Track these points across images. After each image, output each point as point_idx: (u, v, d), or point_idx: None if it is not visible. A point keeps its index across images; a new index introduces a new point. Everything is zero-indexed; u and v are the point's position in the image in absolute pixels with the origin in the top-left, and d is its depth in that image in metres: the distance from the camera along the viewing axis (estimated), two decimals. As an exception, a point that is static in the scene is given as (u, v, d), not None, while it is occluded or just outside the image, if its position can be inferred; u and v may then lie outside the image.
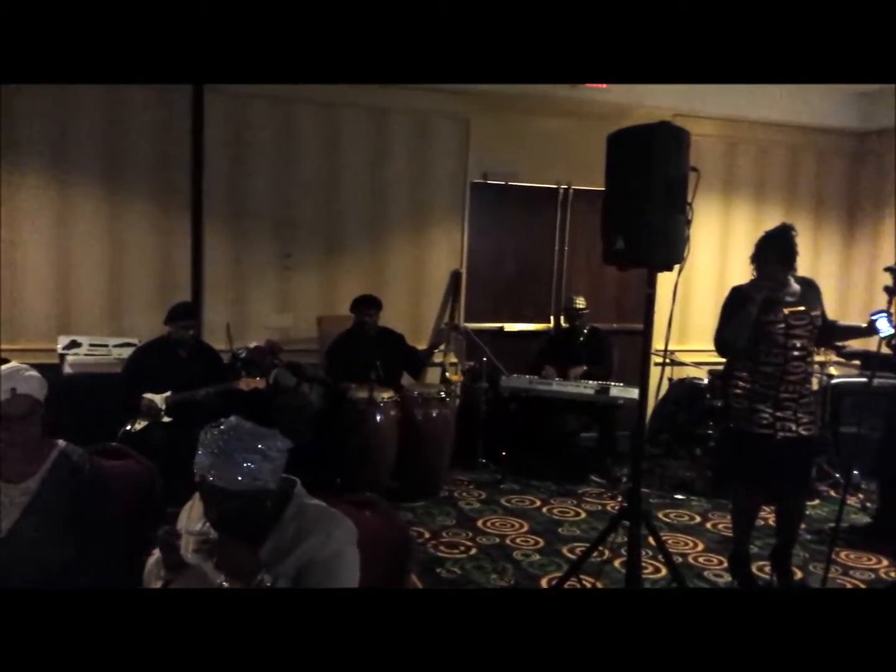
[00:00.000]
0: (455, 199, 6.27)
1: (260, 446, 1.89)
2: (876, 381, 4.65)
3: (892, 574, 4.25)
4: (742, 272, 6.77)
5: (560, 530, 4.74)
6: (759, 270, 3.61)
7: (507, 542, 4.53)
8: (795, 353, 3.59)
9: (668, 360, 4.89)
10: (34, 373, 2.22)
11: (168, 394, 4.49)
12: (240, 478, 1.85)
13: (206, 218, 5.65)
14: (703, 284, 6.79)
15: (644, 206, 2.97)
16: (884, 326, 3.52)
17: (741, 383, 3.67)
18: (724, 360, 3.86)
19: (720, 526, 4.87)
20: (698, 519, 5.03)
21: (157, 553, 2.00)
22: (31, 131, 5.22)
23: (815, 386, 4.57)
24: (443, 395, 5.39)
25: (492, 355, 5.74)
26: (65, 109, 5.28)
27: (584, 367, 5.81)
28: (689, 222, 3.06)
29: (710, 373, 5.94)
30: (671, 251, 3.04)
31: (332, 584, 1.88)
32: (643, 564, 3.72)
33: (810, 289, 3.68)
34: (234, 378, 4.59)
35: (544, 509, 5.13)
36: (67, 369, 4.98)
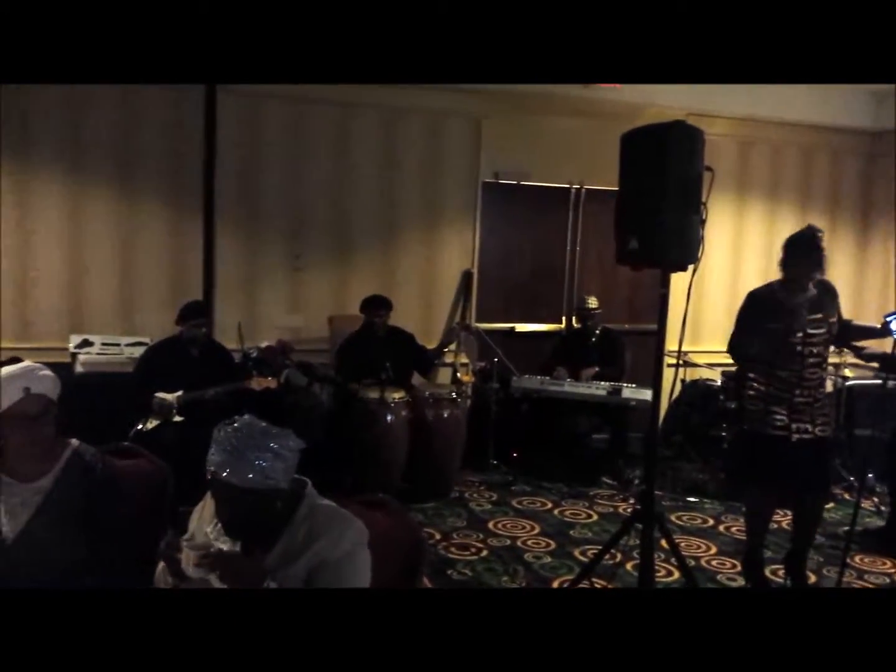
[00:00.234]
0: (467, 199, 6.25)
1: (273, 445, 1.88)
2: (891, 382, 4.60)
3: (908, 578, 4.21)
4: (756, 273, 6.81)
5: (571, 532, 4.72)
6: (787, 273, 3.57)
7: (519, 543, 4.51)
8: (812, 359, 3.57)
9: (681, 362, 4.86)
10: (48, 372, 2.22)
11: (179, 393, 4.49)
12: (251, 475, 1.84)
13: (217, 218, 5.66)
14: (717, 285, 6.76)
15: (658, 205, 2.94)
16: None
17: (756, 385, 3.64)
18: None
19: (733, 529, 4.84)
20: (711, 522, 5.00)
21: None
22: (45, 131, 5.24)
23: (829, 388, 4.53)
24: (454, 395, 5.38)
25: (503, 356, 5.72)
26: (78, 109, 5.30)
27: (597, 368, 5.78)
28: (703, 222, 3.03)
29: (724, 374, 5.89)
30: (685, 251, 3.02)
31: (343, 585, 1.87)
32: (655, 567, 3.69)
33: (827, 292, 3.64)
34: (245, 378, 4.60)
35: (556, 511, 5.10)
36: (79, 368, 4.99)
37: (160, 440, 4.11)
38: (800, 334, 3.53)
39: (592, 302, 5.89)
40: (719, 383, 5.93)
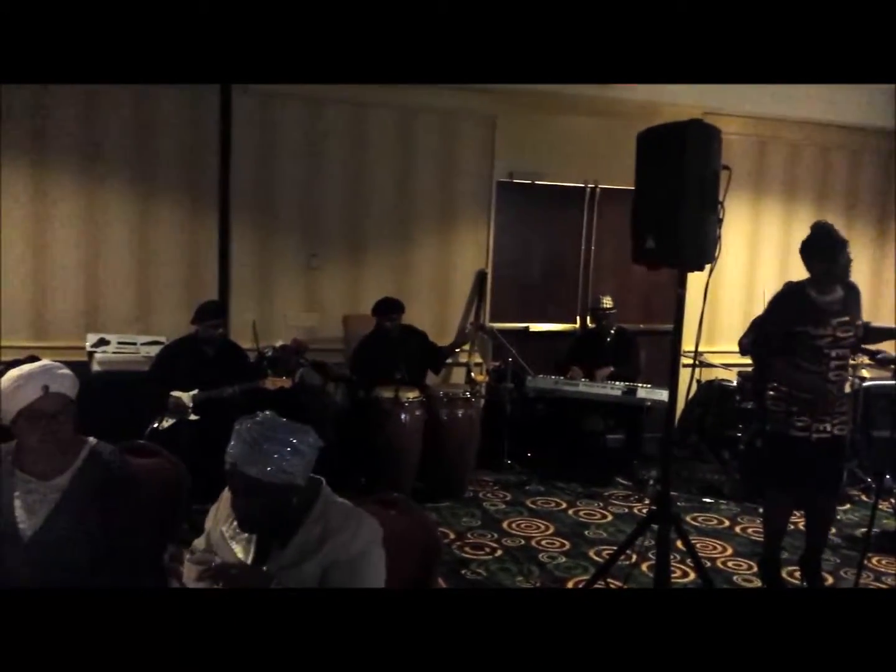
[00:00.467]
0: (481, 199, 6.24)
1: (293, 440, 1.90)
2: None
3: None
4: (772, 273, 6.76)
5: (586, 533, 4.70)
6: (815, 273, 3.54)
7: (533, 544, 4.50)
8: (837, 362, 3.54)
9: (697, 362, 4.83)
10: (66, 371, 2.23)
11: (195, 392, 4.51)
12: (269, 469, 1.85)
13: (233, 217, 5.68)
14: (732, 285, 6.72)
15: (675, 204, 2.93)
16: None
17: (778, 386, 3.60)
18: (751, 361, 3.81)
19: (749, 530, 4.80)
20: (727, 523, 4.97)
21: None
22: (62, 131, 5.28)
23: (846, 389, 4.49)
24: (468, 395, 5.37)
25: (517, 355, 5.71)
26: (94, 109, 5.33)
27: (611, 369, 5.76)
28: (720, 221, 3.01)
29: (740, 374, 5.86)
30: (702, 251, 3.00)
31: (357, 583, 1.87)
32: (671, 568, 3.67)
33: (851, 292, 3.61)
34: (260, 377, 4.61)
35: (570, 511, 5.09)
36: (96, 367, 5.02)
37: (175, 439, 4.13)
38: (829, 338, 3.50)
39: (607, 302, 5.87)
40: (735, 384, 5.90)
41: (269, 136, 5.73)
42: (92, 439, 2.30)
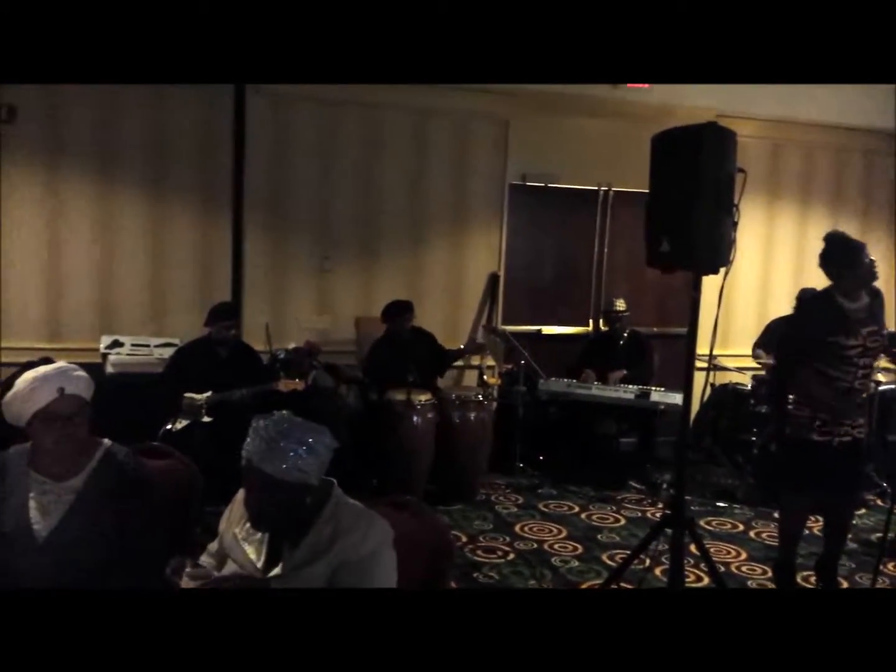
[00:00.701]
0: (493, 201, 6.24)
1: (309, 439, 1.91)
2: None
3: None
4: (786, 276, 6.73)
5: (599, 537, 4.68)
6: (841, 281, 3.50)
7: (545, 547, 4.48)
8: (864, 370, 3.50)
9: (711, 365, 4.81)
10: (82, 373, 2.24)
11: (208, 394, 4.52)
12: (285, 466, 1.86)
13: (246, 219, 5.69)
14: (746, 288, 6.68)
15: (690, 207, 2.91)
16: None
17: (802, 391, 3.55)
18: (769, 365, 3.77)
19: (764, 535, 4.77)
20: (741, 527, 4.93)
21: None
22: (76, 132, 5.31)
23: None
24: (480, 398, 5.36)
25: (530, 358, 5.70)
26: (108, 110, 5.35)
27: (624, 372, 5.74)
28: (735, 224, 2.99)
29: (754, 378, 5.83)
30: (717, 254, 2.98)
31: (366, 584, 1.87)
32: (685, 573, 3.64)
33: (876, 299, 3.56)
34: (273, 379, 4.61)
35: (583, 515, 5.07)
36: (109, 369, 5.04)
37: (189, 440, 4.14)
38: (859, 348, 3.46)
39: (620, 304, 5.85)
40: (749, 387, 5.87)
41: (283, 138, 5.74)
42: (106, 441, 2.31)
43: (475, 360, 5.99)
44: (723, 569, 4.14)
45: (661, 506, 5.20)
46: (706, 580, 3.96)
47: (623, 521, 4.97)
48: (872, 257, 3.50)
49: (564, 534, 4.71)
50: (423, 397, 5.08)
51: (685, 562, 3.52)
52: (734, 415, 5.88)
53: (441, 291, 6.18)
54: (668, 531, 3.22)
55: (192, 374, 4.57)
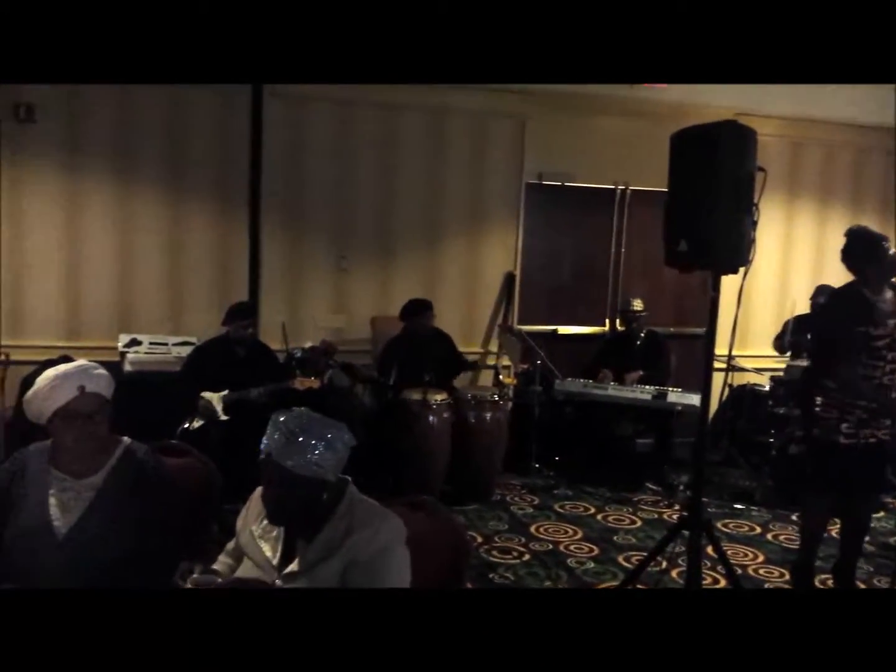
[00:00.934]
0: (510, 200, 6.23)
1: (328, 435, 1.93)
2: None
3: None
4: (805, 276, 6.67)
5: (615, 538, 4.66)
6: (866, 275, 3.46)
7: (561, 548, 4.46)
8: (892, 365, 3.45)
9: (729, 366, 4.77)
10: (102, 371, 2.26)
11: (225, 392, 4.54)
12: (303, 461, 1.88)
13: (263, 219, 5.72)
14: (765, 288, 6.63)
15: (709, 206, 2.88)
16: None
17: (829, 391, 3.51)
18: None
19: (781, 537, 4.73)
20: (759, 530, 4.89)
21: None
22: (93, 132, 5.34)
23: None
24: (496, 397, 5.35)
25: (546, 358, 5.68)
26: (126, 111, 5.39)
27: (641, 372, 5.71)
28: (755, 224, 2.96)
29: (773, 379, 5.78)
30: (737, 253, 2.95)
31: (378, 581, 1.87)
32: (702, 575, 3.62)
33: None
34: (289, 378, 4.63)
35: (599, 516, 5.05)
36: (127, 367, 5.07)
37: (206, 439, 4.16)
38: (887, 338, 3.42)
39: (637, 304, 5.82)
40: (767, 388, 5.82)
41: (299, 139, 5.76)
42: (126, 439, 2.32)
43: (491, 361, 5.98)
44: (740, 571, 4.11)
45: (677, 507, 5.17)
46: (723, 583, 3.94)
47: (639, 523, 4.95)
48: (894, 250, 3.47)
49: (580, 535, 4.69)
50: (439, 397, 5.08)
51: (702, 564, 3.50)
52: (752, 416, 5.83)
53: (457, 291, 6.18)
54: (686, 533, 3.20)
55: (209, 373, 4.59)
